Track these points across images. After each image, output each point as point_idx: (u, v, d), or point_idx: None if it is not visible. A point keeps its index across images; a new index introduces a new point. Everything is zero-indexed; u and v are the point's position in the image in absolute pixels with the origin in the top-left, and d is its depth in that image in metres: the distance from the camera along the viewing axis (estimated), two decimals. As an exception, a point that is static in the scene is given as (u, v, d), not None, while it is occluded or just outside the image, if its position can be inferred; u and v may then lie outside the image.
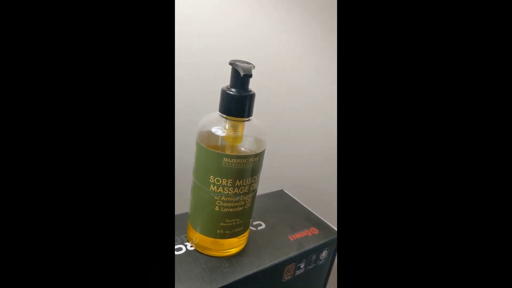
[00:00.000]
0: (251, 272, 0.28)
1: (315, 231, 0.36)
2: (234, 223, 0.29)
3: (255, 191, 0.29)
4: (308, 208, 0.41)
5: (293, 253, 0.32)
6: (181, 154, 0.46)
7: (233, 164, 0.26)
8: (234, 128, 0.27)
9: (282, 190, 0.44)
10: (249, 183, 0.28)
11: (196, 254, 0.29)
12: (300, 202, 0.42)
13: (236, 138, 0.28)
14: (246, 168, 0.27)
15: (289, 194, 0.44)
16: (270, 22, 0.48)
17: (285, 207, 0.40)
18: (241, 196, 0.28)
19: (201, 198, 0.28)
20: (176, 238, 0.31)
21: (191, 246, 0.30)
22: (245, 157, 0.26)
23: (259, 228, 0.35)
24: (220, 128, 0.27)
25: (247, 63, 0.26)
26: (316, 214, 0.40)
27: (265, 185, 0.57)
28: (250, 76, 0.24)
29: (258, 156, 0.28)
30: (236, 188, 0.27)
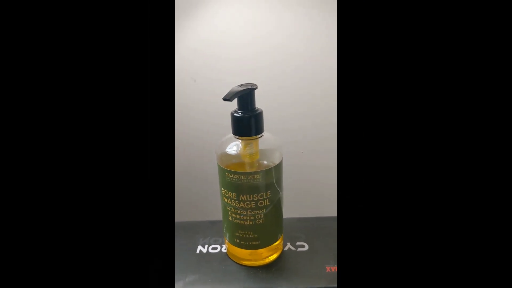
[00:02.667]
0: (256, 286, 0.29)
1: (366, 270, 0.30)
2: (247, 236, 0.30)
3: (268, 208, 0.30)
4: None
5: (320, 285, 0.29)
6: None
7: (233, 179, 0.28)
8: (246, 146, 0.29)
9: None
10: (255, 199, 0.29)
11: (224, 257, 0.33)
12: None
13: (252, 155, 0.30)
14: (248, 184, 0.28)
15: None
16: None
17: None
18: (248, 211, 0.29)
19: (222, 207, 0.32)
20: (218, 239, 0.36)
21: (224, 249, 0.34)
22: (245, 174, 0.28)
23: (299, 249, 0.34)
24: (234, 147, 0.30)
25: (252, 85, 0.28)
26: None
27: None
28: (228, 100, 0.26)
29: (261, 174, 0.28)
30: (242, 203, 0.29)
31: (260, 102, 0.29)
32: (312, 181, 0.57)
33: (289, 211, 0.40)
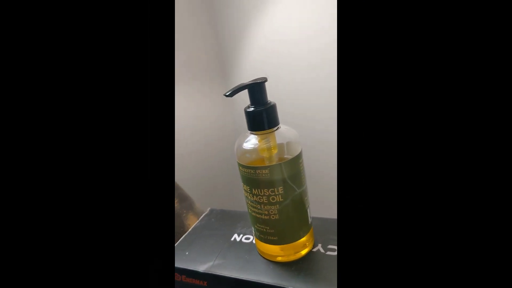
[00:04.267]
0: (270, 282, 0.29)
1: None
2: (264, 230, 0.30)
3: (282, 204, 0.29)
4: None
5: (335, 294, 0.27)
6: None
7: (245, 173, 0.29)
8: (261, 140, 0.29)
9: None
10: (266, 194, 0.28)
11: (253, 246, 0.34)
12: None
13: (270, 149, 0.29)
14: (257, 179, 0.28)
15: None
16: None
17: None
18: (262, 205, 0.29)
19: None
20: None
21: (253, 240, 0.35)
22: (253, 168, 0.28)
23: (329, 253, 0.31)
24: (247, 142, 0.30)
25: (262, 79, 0.28)
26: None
27: None
28: (229, 96, 0.26)
29: (268, 169, 0.28)
30: (255, 196, 0.29)
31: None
32: None
33: (333, 211, 0.37)
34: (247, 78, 0.52)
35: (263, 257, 0.32)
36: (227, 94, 0.26)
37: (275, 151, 0.29)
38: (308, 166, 0.33)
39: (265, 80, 0.28)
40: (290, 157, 0.28)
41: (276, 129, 0.29)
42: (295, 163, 0.29)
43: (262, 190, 0.29)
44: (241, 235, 0.37)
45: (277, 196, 0.29)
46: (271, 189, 0.28)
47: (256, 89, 0.28)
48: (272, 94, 0.30)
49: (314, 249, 0.32)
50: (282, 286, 0.28)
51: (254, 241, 0.35)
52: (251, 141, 0.29)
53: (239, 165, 0.30)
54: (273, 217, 0.29)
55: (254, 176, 0.28)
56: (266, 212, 0.29)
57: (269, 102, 0.28)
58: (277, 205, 0.29)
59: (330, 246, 0.32)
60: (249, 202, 0.31)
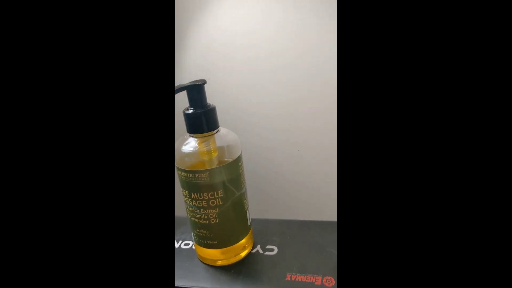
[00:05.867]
0: (209, 286, 0.28)
1: (331, 282, 0.28)
2: (204, 234, 0.30)
3: (222, 207, 0.29)
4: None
5: (274, 293, 0.27)
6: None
7: (184, 178, 0.28)
8: (201, 143, 0.29)
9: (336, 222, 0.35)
10: (206, 198, 0.28)
11: (192, 252, 0.33)
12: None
13: (210, 152, 0.29)
14: (196, 183, 0.28)
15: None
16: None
17: (321, 242, 0.32)
18: (201, 210, 0.29)
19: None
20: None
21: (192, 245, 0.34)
22: (192, 172, 0.27)
23: (267, 253, 0.32)
24: (186, 145, 0.29)
25: (202, 81, 0.27)
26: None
27: (318, 212, 0.48)
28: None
29: (208, 173, 0.27)
30: (194, 201, 0.29)
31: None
32: (308, 185, 0.54)
33: (273, 213, 0.38)
34: (188, 79, 0.51)
35: (203, 263, 0.32)
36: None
37: (215, 154, 0.29)
38: (248, 169, 0.34)
39: (204, 82, 0.28)
40: (230, 160, 0.28)
41: (216, 132, 0.29)
42: (235, 166, 0.29)
43: (202, 194, 0.28)
44: (180, 241, 0.35)
45: (217, 199, 0.28)
46: (211, 193, 0.28)
47: (196, 91, 0.27)
48: (213, 96, 0.30)
49: (253, 251, 0.33)
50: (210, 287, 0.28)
51: (193, 247, 0.34)
52: (190, 144, 0.29)
53: (178, 169, 0.29)
54: (212, 221, 0.29)
55: (193, 180, 0.28)
56: (206, 217, 0.29)
57: (208, 104, 0.28)
58: (217, 209, 0.29)
59: (268, 246, 0.33)
60: (188, 208, 0.30)
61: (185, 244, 0.35)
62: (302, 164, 0.59)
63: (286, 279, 0.29)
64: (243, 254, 0.32)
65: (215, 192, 0.28)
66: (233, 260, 0.31)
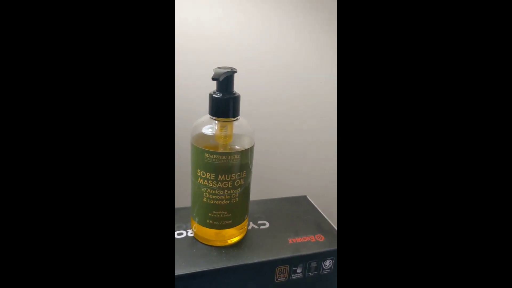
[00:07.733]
0: (235, 264, 0.30)
1: (321, 238, 0.35)
2: (221, 215, 0.31)
3: (243, 187, 0.31)
4: (325, 216, 0.40)
5: (285, 255, 0.32)
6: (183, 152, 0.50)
7: (213, 160, 0.29)
8: (222, 128, 0.30)
9: (305, 196, 0.44)
10: (233, 179, 0.30)
11: (192, 240, 0.33)
12: (319, 210, 0.41)
13: (226, 137, 0.31)
14: (227, 164, 0.29)
15: (311, 200, 0.43)
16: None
17: (299, 212, 0.40)
18: (225, 191, 0.30)
19: (194, 190, 0.32)
20: (181, 224, 0.35)
21: (191, 233, 0.34)
22: (225, 154, 0.29)
23: (262, 227, 0.36)
24: (210, 128, 0.30)
25: (231, 68, 0.29)
26: (331, 223, 0.38)
27: (288, 189, 0.56)
28: (217, 80, 0.27)
29: (240, 154, 0.30)
30: (220, 183, 0.30)
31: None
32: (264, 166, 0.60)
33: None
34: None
35: (212, 246, 0.32)
36: (216, 78, 0.26)
37: (230, 140, 0.31)
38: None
39: (236, 71, 0.30)
40: (253, 144, 0.31)
41: (236, 119, 0.31)
42: (253, 150, 0.32)
43: (229, 176, 0.30)
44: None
45: (241, 179, 0.31)
46: (238, 174, 0.30)
47: (231, 78, 0.29)
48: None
49: (249, 227, 0.36)
50: (237, 265, 0.30)
51: (190, 234, 0.34)
52: (211, 128, 0.30)
53: (206, 152, 0.29)
54: (234, 200, 0.31)
55: (225, 162, 0.29)
56: (228, 197, 0.31)
57: (235, 92, 0.30)
58: (239, 188, 0.31)
59: (260, 222, 0.37)
60: (208, 190, 0.30)
61: (179, 234, 0.34)
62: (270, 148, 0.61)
63: (289, 242, 0.34)
64: (244, 232, 0.35)
65: (240, 173, 0.30)
66: (243, 235, 0.34)
